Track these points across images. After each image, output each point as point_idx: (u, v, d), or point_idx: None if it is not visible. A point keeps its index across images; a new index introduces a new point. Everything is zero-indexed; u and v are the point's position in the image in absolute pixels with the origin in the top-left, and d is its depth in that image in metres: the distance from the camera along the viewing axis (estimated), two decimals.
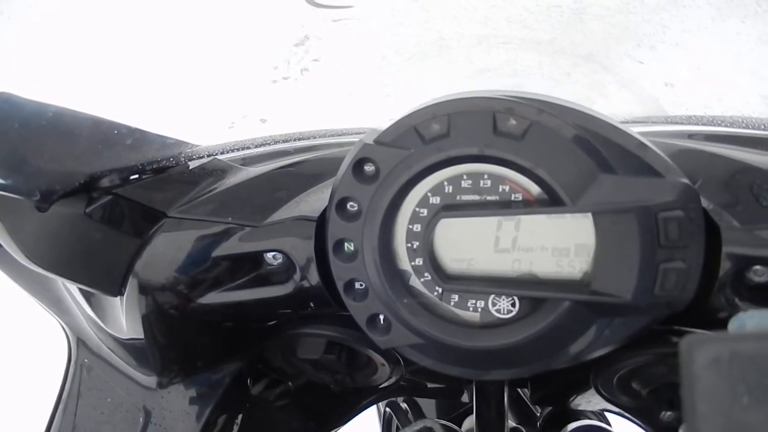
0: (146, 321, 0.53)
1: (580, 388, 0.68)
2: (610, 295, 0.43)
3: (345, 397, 0.76)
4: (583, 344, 0.46)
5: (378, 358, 0.66)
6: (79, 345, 0.62)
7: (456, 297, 0.49)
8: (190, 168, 0.57)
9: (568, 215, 0.44)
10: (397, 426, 0.63)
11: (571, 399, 0.73)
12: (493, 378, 0.52)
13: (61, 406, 0.61)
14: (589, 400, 0.73)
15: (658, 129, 0.72)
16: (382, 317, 0.50)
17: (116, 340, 0.57)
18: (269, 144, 0.65)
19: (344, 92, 1.20)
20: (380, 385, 0.75)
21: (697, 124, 0.67)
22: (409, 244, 0.48)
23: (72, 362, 0.63)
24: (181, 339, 0.55)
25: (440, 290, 0.49)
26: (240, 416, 0.68)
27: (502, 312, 0.48)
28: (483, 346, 0.47)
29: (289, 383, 0.76)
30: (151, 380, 0.56)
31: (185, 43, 1.05)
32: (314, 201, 0.54)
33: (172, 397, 0.57)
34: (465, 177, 0.46)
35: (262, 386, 0.73)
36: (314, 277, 0.52)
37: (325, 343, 0.65)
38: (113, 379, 0.59)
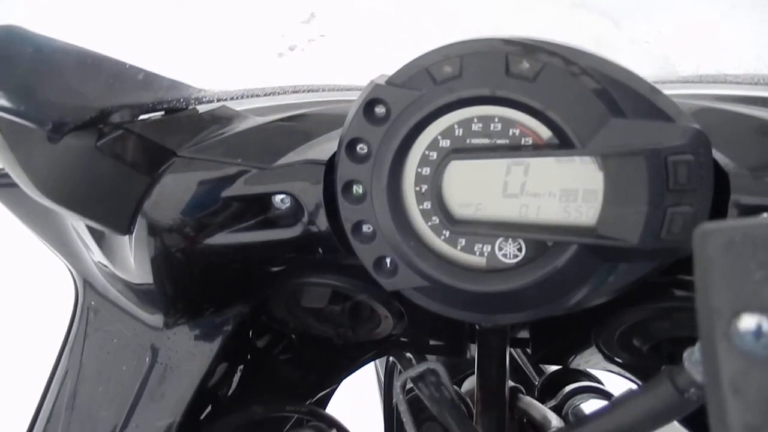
0: (154, 261, 0.53)
1: (581, 347, 0.69)
2: (617, 239, 0.43)
3: (346, 351, 0.77)
4: (587, 290, 0.47)
5: (381, 310, 0.67)
6: (86, 287, 0.63)
7: (463, 241, 0.49)
8: (200, 112, 0.57)
9: (577, 159, 0.45)
10: (400, 371, 0.64)
11: (572, 358, 0.74)
12: (498, 322, 0.52)
13: (67, 348, 0.61)
14: (588, 360, 0.74)
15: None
16: (388, 260, 0.50)
17: (123, 280, 0.58)
18: (279, 93, 0.65)
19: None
20: (382, 339, 0.76)
21: (707, 82, 0.67)
22: (418, 188, 0.49)
23: (78, 305, 0.63)
24: (188, 280, 0.56)
25: (447, 234, 0.49)
26: (242, 365, 0.69)
27: (508, 256, 0.48)
28: (488, 289, 0.48)
29: (292, 336, 0.77)
30: (157, 321, 0.57)
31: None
32: (324, 146, 0.54)
33: (177, 338, 0.58)
34: (476, 120, 0.46)
35: (265, 340, 0.74)
36: (322, 221, 0.52)
37: (329, 293, 0.65)
38: (120, 320, 0.59)
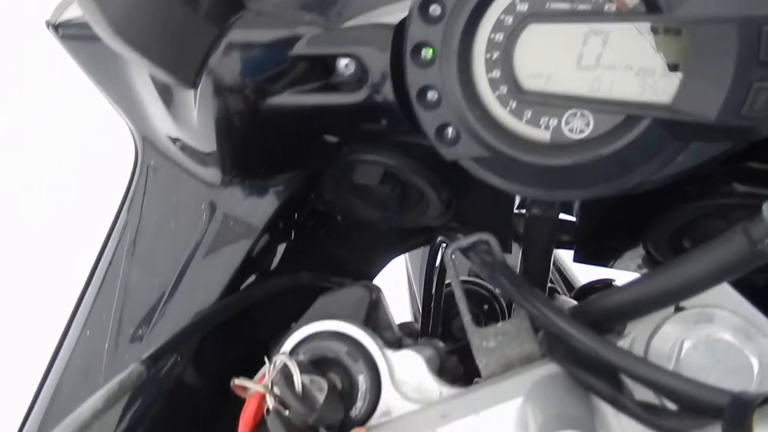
0: (217, 117, 0.54)
1: (627, 247, 0.69)
2: (694, 114, 0.42)
3: (391, 236, 0.78)
4: (653, 168, 0.46)
5: (431, 195, 0.67)
6: (145, 145, 0.64)
7: (529, 113, 0.48)
8: None
9: (661, 31, 0.43)
10: (445, 246, 0.65)
11: (613, 262, 0.74)
12: (557, 198, 0.52)
13: (126, 203, 0.64)
14: (629, 264, 0.74)
15: None
16: (451, 128, 0.50)
17: (184, 137, 0.59)
18: None
19: None
20: (427, 228, 0.77)
21: None
22: (489, 54, 0.47)
23: (138, 164, 0.65)
24: (248, 140, 0.56)
25: (514, 105, 0.48)
26: (286, 243, 0.71)
27: (574, 131, 0.48)
28: (552, 163, 0.47)
29: (337, 218, 0.78)
30: (215, 178, 0.58)
31: None
32: (395, 11, 0.53)
33: (234, 198, 0.59)
34: None
35: (311, 220, 0.76)
36: (386, 88, 0.52)
37: (381, 171, 0.66)
38: (178, 177, 0.61)
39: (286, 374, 0.41)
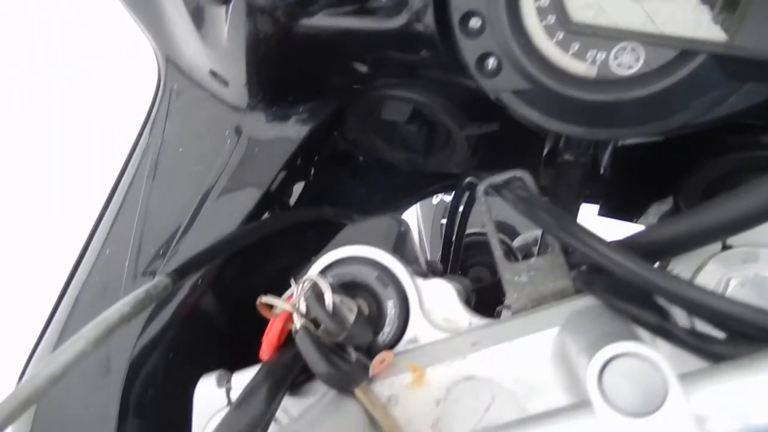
0: (248, 36, 0.52)
1: (656, 199, 0.68)
2: (756, 50, 0.41)
3: (413, 180, 0.77)
4: (703, 108, 0.45)
5: (459, 136, 0.66)
6: (169, 68, 0.62)
7: (576, 46, 0.46)
8: None
9: None
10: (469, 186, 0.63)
11: (637, 219, 0.73)
12: (598, 137, 0.51)
13: (148, 126, 0.62)
14: (651, 222, 0.73)
15: None
16: (493, 59, 0.48)
17: (212, 58, 0.57)
18: None
19: None
20: (450, 173, 0.75)
21: None
22: None
23: (161, 87, 0.63)
24: (280, 61, 0.55)
25: (561, 36, 0.46)
26: (305, 180, 0.69)
27: (623, 66, 0.46)
28: (596, 99, 0.46)
29: (359, 158, 0.77)
30: (241, 101, 0.57)
31: None
32: None
33: (260, 124, 0.58)
34: None
35: (334, 159, 0.74)
36: (427, 14, 0.50)
37: (411, 109, 0.64)
38: (203, 101, 0.59)
39: (317, 292, 0.41)
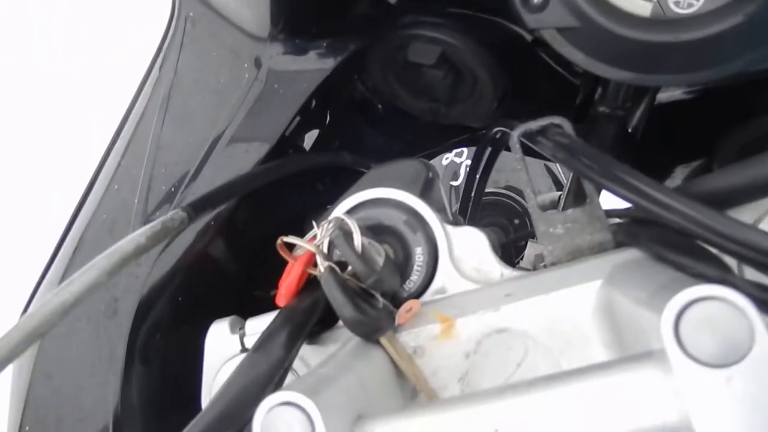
0: None
1: (682, 162, 0.65)
2: None
3: (432, 132, 0.74)
4: (761, 56, 0.41)
5: (487, 84, 0.62)
6: None
7: None
8: None
9: None
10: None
11: (666, 177, 0.70)
12: (645, 83, 0.47)
13: (160, 58, 0.58)
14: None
15: None
16: None
17: None
18: None
19: None
20: (472, 126, 0.72)
21: None
22: None
23: (174, 16, 0.59)
24: None
25: None
26: (320, 129, 0.66)
27: (681, 5, 0.42)
28: (650, 40, 0.42)
29: (378, 106, 0.73)
30: (262, 30, 0.53)
31: None
32: None
33: (280, 58, 0.54)
34: None
35: (353, 104, 0.71)
36: None
37: (439, 52, 0.60)
38: (221, 30, 0.55)
39: (344, 232, 0.38)
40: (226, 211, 0.53)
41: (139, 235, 0.36)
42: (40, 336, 0.30)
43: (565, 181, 1.22)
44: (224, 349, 0.44)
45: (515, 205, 0.87)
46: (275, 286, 0.59)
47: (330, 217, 0.39)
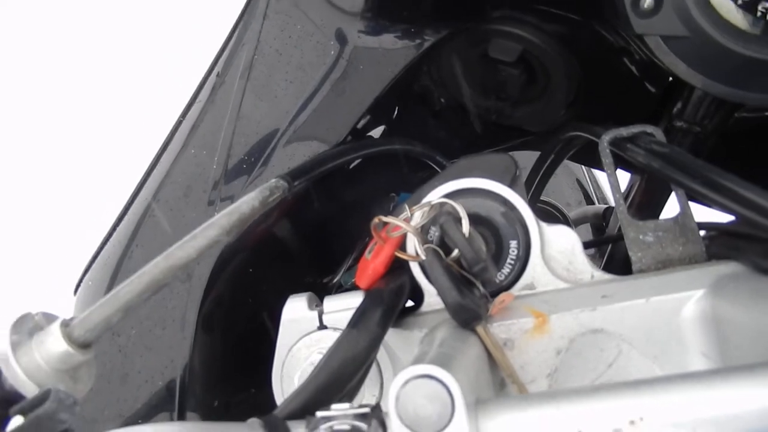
0: None
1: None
2: None
3: (492, 132, 0.73)
4: None
5: (561, 86, 0.62)
6: None
7: None
8: None
9: None
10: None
11: None
12: (744, 100, 0.47)
13: (239, 29, 0.58)
14: None
15: None
16: None
17: None
18: None
19: None
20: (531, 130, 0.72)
21: None
22: None
23: None
24: None
25: None
26: (396, 108, 0.66)
27: None
28: (756, 56, 0.42)
29: (441, 100, 0.73)
30: (353, 6, 0.53)
31: None
32: None
33: (368, 36, 0.54)
34: None
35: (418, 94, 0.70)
36: None
37: (520, 50, 0.60)
38: (308, 2, 0.55)
39: (454, 217, 0.38)
40: (301, 188, 0.52)
41: (253, 198, 0.36)
42: (162, 286, 0.30)
43: (595, 196, 1.22)
44: (301, 323, 0.43)
45: (557, 214, 0.86)
46: (331, 271, 0.59)
47: (435, 200, 0.39)
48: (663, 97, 0.60)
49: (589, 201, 1.20)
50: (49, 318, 0.30)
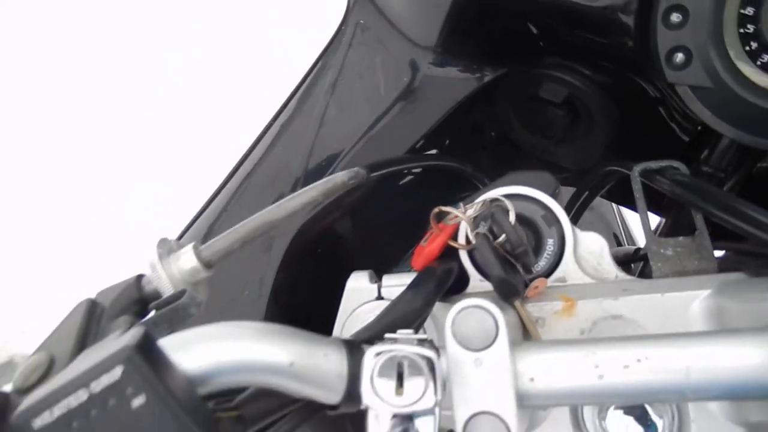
0: None
1: None
2: None
3: (534, 168, 0.81)
4: None
5: (601, 129, 0.70)
6: (359, 3, 0.68)
7: (767, 58, 0.50)
8: None
9: None
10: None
11: None
12: (764, 147, 0.54)
13: (328, 54, 0.68)
14: None
15: None
16: (683, 53, 0.52)
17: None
18: None
19: None
20: (576, 168, 0.79)
21: None
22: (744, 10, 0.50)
23: (346, 21, 0.69)
24: (478, 15, 0.60)
25: (755, 45, 0.50)
26: (448, 136, 0.74)
27: None
28: None
29: (492, 133, 0.82)
30: (428, 42, 0.62)
31: None
32: None
33: (437, 67, 0.63)
34: None
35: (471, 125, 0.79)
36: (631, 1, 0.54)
37: (566, 93, 0.69)
38: (389, 36, 0.65)
39: (503, 209, 0.45)
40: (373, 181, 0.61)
41: (342, 175, 0.44)
42: (270, 228, 0.38)
43: (624, 239, 1.29)
44: (362, 294, 0.51)
45: None
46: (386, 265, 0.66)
47: (487, 197, 0.47)
48: (692, 144, 0.67)
49: (619, 244, 1.27)
50: (179, 244, 0.39)
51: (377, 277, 0.53)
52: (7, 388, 0.34)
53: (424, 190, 0.73)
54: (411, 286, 0.44)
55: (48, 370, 0.34)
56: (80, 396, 0.26)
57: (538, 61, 0.66)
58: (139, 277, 0.38)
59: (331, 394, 0.33)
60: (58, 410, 0.26)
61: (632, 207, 0.78)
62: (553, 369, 0.33)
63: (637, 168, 0.55)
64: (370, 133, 0.61)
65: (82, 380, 0.26)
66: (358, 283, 0.51)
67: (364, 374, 0.31)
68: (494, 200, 0.47)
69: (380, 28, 0.66)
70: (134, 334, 0.28)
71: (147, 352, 0.27)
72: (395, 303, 0.41)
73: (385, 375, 0.30)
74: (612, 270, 0.48)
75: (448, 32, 0.61)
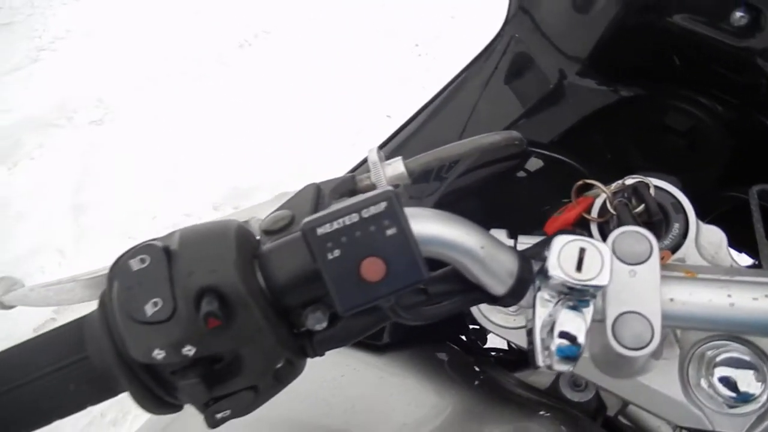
0: (617, 14, 0.67)
1: None
2: None
3: None
4: None
5: (714, 163, 0.77)
6: (518, 17, 0.78)
7: None
8: None
9: None
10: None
11: None
12: None
13: (485, 55, 0.79)
14: None
15: None
16: None
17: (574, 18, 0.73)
18: None
19: None
20: None
21: None
22: None
23: (503, 33, 0.80)
24: (632, 39, 0.69)
25: None
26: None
27: None
28: None
29: (608, 155, 0.89)
30: (580, 54, 0.72)
31: None
32: None
33: (581, 78, 0.73)
34: None
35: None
36: None
37: (690, 124, 0.76)
38: (542, 49, 0.75)
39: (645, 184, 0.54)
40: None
41: (496, 133, 0.54)
42: (459, 156, 0.48)
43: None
44: None
45: None
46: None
47: (629, 178, 0.56)
48: None
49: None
50: (381, 156, 0.49)
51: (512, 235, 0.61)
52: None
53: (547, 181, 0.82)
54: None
55: (290, 222, 0.43)
56: (353, 218, 0.36)
57: (671, 90, 0.74)
58: (353, 175, 0.48)
59: (500, 287, 0.42)
60: (336, 224, 0.36)
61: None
62: (691, 291, 0.41)
63: (755, 188, 0.62)
64: (514, 126, 0.71)
65: (357, 207, 0.36)
66: (497, 237, 0.60)
67: (551, 253, 0.39)
68: (636, 179, 0.55)
69: (535, 43, 0.76)
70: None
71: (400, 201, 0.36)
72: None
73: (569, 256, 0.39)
74: (728, 260, 0.55)
75: (599, 48, 0.70)
